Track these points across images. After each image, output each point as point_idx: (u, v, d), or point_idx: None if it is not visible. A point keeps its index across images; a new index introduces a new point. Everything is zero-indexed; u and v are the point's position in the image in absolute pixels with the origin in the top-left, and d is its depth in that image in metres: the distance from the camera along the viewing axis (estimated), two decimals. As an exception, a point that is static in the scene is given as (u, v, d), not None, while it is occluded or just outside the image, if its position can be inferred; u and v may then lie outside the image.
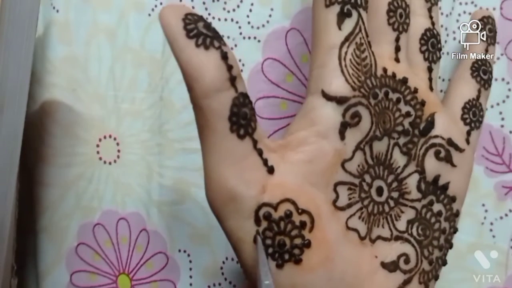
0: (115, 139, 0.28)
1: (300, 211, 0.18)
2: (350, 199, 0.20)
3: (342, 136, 0.19)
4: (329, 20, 0.20)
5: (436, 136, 0.21)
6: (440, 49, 0.23)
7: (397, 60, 0.22)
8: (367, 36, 0.20)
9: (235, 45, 0.26)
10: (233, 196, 0.18)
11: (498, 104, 0.25)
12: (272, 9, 0.25)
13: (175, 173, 0.27)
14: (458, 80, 0.23)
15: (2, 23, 0.22)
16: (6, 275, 0.25)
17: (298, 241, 0.18)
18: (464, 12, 0.25)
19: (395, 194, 0.21)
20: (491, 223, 0.25)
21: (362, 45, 0.20)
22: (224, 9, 0.26)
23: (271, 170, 0.19)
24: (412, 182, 0.21)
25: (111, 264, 0.28)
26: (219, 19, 0.26)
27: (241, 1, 0.26)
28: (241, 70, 0.26)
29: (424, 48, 0.23)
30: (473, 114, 0.23)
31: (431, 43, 0.23)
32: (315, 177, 0.19)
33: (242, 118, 0.18)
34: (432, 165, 0.21)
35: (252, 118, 0.18)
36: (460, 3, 0.25)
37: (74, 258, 0.29)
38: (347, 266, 0.19)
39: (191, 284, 0.27)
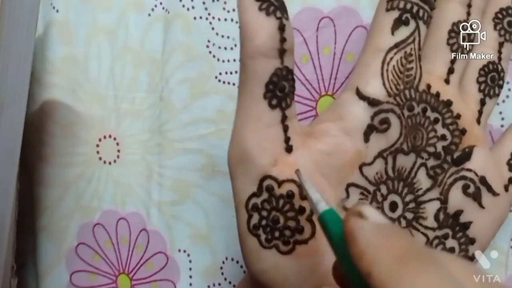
0: (115, 139, 0.28)
1: (303, 196, 0.18)
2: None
3: (366, 138, 0.19)
4: (385, 24, 0.20)
5: (469, 170, 0.21)
6: (500, 86, 0.22)
7: (447, 81, 0.21)
8: (419, 49, 0.20)
9: (235, 45, 0.26)
10: (246, 158, 0.18)
11: (498, 104, 0.25)
12: (272, 9, 0.25)
13: (175, 173, 0.27)
14: None
15: (2, 23, 0.22)
16: (6, 275, 0.25)
17: (291, 223, 0.18)
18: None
19: (409, 215, 0.20)
20: (491, 223, 0.25)
21: (411, 56, 0.20)
22: (224, 9, 0.26)
23: (289, 149, 0.19)
24: (431, 208, 0.20)
25: (111, 264, 0.28)
26: (219, 19, 0.26)
27: (241, 1, 0.26)
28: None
29: (482, 79, 0.22)
30: None
31: (491, 77, 0.22)
32: (330, 171, 0.19)
33: (279, 90, 0.18)
34: (457, 198, 0.21)
35: (289, 95, 0.19)
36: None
37: (74, 258, 0.29)
38: None
39: (191, 284, 0.27)
